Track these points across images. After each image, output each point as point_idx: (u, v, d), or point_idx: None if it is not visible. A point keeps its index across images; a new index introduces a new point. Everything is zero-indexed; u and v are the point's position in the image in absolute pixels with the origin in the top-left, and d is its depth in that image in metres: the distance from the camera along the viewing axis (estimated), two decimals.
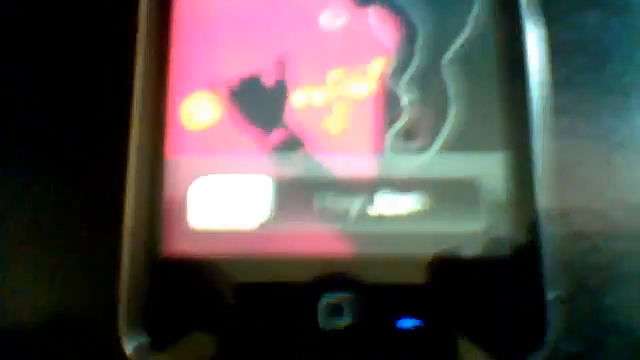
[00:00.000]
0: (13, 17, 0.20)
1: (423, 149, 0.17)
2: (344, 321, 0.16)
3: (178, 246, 0.17)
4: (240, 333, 0.16)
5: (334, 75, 0.18)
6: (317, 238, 0.17)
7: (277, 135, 0.17)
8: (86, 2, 0.20)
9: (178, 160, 0.17)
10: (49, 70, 0.19)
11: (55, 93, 0.19)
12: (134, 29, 0.18)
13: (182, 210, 0.17)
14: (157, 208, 0.17)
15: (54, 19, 0.20)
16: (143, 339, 0.16)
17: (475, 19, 0.18)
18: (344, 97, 0.17)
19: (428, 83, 0.17)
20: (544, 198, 0.16)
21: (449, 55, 0.17)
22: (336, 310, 0.16)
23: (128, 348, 0.16)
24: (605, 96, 0.19)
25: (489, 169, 0.17)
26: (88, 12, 0.20)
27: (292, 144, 0.17)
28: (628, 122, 0.19)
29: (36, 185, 0.19)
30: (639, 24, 0.19)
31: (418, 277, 0.16)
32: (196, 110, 0.17)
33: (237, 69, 0.18)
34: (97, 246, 0.18)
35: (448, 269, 0.16)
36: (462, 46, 0.18)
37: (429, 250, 0.17)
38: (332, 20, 0.18)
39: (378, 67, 0.18)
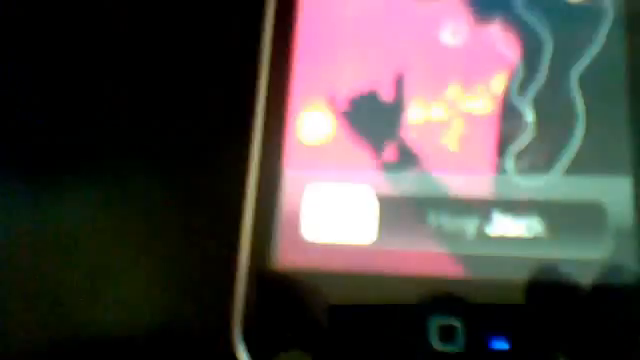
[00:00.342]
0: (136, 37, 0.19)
1: (545, 170, 0.16)
2: (456, 344, 0.16)
3: (284, 257, 0.17)
4: (346, 352, 0.16)
5: (453, 91, 0.17)
6: (429, 257, 0.16)
7: (393, 151, 0.17)
8: (211, 18, 0.19)
9: (294, 174, 0.17)
10: (173, 82, 0.20)
11: (178, 103, 0.19)
12: (257, 44, 0.18)
13: (290, 222, 0.17)
14: (266, 219, 0.17)
15: (177, 36, 0.19)
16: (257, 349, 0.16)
17: (605, 34, 0.17)
18: (463, 114, 0.17)
19: (553, 100, 0.17)
20: None
21: (577, 71, 0.17)
22: (448, 332, 0.16)
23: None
24: None
25: (615, 194, 0.16)
26: (213, 28, 0.19)
27: (408, 161, 0.17)
28: None
29: (153, 196, 0.19)
30: None
31: (534, 303, 0.16)
32: (313, 125, 0.17)
33: (355, 84, 0.17)
34: (211, 257, 0.18)
35: (566, 296, 0.16)
36: (591, 62, 0.17)
37: (547, 275, 0.16)
38: (452, 35, 0.17)
39: (500, 83, 0.17)
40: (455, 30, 0.17)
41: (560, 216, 0.16)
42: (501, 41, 0.17)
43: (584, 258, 0.16)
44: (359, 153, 0.17)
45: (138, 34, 0.20)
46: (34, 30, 0.20)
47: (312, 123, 0.17)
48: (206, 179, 0.19)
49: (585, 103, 0.16)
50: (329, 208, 0.17)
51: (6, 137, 0.20)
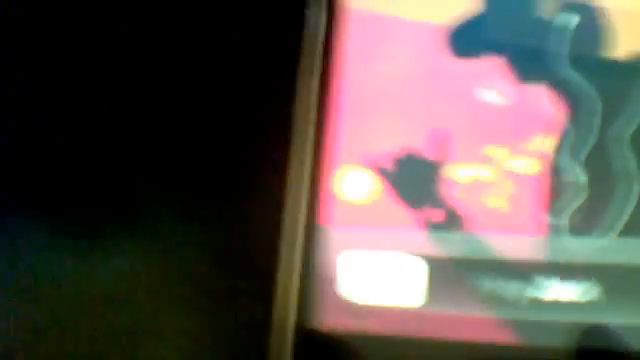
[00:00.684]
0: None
1: (599, 232, 0.16)
2: None
3: (326, 319, 0.16)
4: None
5: (500, 151, 0.17)
6: (478, 322, 0.16)
7: (439, 211, 0.17)
8: (253, 70, 0.19)
9: (332, 231, 0.17)
10: (213, 137, 0.19)
11: (219, 161, 0.19)
12: (295, 100, 0.17)
13: (332, 283, 0.17)
14: (308, 279, 0.16)
15: (218, 90, 0.20)
16: None
17: None
18: (511, 174, 0.17)
19: (605, 161, 0.16)
20: None
21: (629, 131, 0.16)
22: None
23: None
24: None
25: None
26: (254, 80, 0.19)
27: (454, 221, 0.16)
28: None
29: (186, 252, 0.18)
30: None
31: None
32: (355, 183, 0.17)
33: (399, 143, 0.17)
34: (252, 318, 0.18)
35: None
36: (634, 122, 0.16)
37: (601, 341, 0.15)
38: (497, 94, 0.17)
39: (549, 143, 0.17)
40: (499, 89, 0.17)
41: (615, 280, 0.16)
42: (548, 101, 0.17)
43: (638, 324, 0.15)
44: (403, 212, 0.17)
45: (177, 85, 0.20)
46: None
47: (354, 181, 0.17)
48: (247, 238, 0.19)
49: (629, 163, 0.16)
50: (374, 270, 0.17)
51: (45, 189, 0.20)
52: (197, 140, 0.20)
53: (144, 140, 0.20)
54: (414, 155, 0.17)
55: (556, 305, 0.16)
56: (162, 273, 0.19)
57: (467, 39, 0.18)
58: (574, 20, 0.17)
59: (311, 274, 0.17)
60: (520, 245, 0.16)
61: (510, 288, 0.16)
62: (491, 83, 0.17)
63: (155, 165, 0.19)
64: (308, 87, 0.18)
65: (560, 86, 0.17)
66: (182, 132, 0.20)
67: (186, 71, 0.20)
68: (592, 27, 0.17)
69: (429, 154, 0.17)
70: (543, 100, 0.17)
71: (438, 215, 0.17)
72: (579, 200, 0.16)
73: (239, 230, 0.18)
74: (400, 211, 0.17)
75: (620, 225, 0.16)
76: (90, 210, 0.19)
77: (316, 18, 0.18)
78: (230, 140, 0.19)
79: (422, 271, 0.16)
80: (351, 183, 0.17)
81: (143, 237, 0.19)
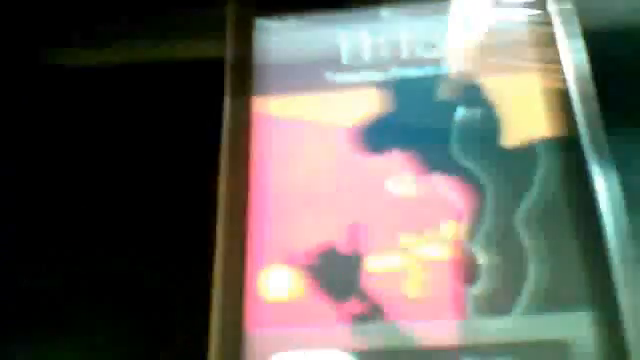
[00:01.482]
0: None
1: (505, 312, 0.17)
2: None
3: None
4: None
5: (411, 240, 0.18)
6: None
7: (356, 304, 0.17)
8: (165, 172, 0.20)
9: (257, 334, 0.17)
10: (134, 240, 0.20)
11: (137, 263, 0.20)
12: (213, 204, 0.18)
13: None
14: None
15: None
16: None
17: (543, 176, 0.18)
18: (420, 261, 0.17)
19: (504, 243, 0.17)
20: (637, 352, 0.16)
21: (522, 213, 0.18)
22: None
23: None
24: None
25: (576, 329, 0.16)
26: (166, 182, 0.20)
27: (372, 313, 0.17)
28: None
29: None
30: None
31: None
32: (274, 283, 0.18)
33: (312, 240, 0.18)
34: None
35: None
36: (533, 204, 0.18)
37: None
38: (401, 187, 0.18)
39: (452, 230, 0.18)
40: (408, 181, 0.18)
41: (525, 357, 0.16)
42: (446, 188, 0.18)
43: None
44: (321, 308, 0.17)
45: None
46: None
47: (273, 281, 0.18)
48: (173, 347, 0.19)
49: (534, 243, 0.17)
50: None
51: None
52: (121, 247, 0.20)
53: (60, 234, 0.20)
54: (333, 250, 0.18)
55: None
56: None
57: (376, 137, 0.19)
58: (470, 113, 0.19)
59: None
60: (436, 330, 0.17)
61: None
62: (400, 175, 0.19)
63: (82, 267, 0.20)
64: (228, 189, 0.19)
65: (461, 174, 0.18)
66: (106, 240, 0.20)
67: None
68: (479, 116, 0.19)
69: (347, 248, 0.18)
70: (448, 188, 0.18)
71: (360, 307, 0.17)
72: (485, 282, 0.17)
73: (165, 340, 0.19)
74: (325, 307, 0.17)
75: (526, 302, 0.17)
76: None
77: (233, 123, 0.20)
78: (154, 245, 0.20)
79: None
80: (275, 283, 0.18)
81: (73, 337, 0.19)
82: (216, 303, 0.17)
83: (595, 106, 0.18)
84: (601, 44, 0.19)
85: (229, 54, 0.21)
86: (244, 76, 0.21)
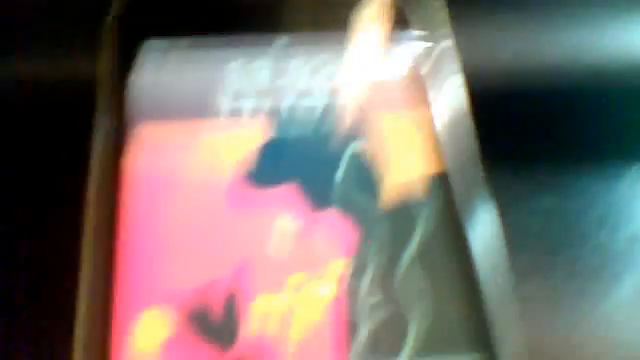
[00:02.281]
0: None
1: (394, 353, 0.16)
2: None
3: None
4: None
5: (295, 279, 0.17)
6: None
7: (238, 349, 0.16)
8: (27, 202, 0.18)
9: None
10: None
11: None
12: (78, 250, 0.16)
13: None
14: None
15: None
16: None
17: (432, 216, 0.17)
18: (308, 301, 0.16)
19: (391, 283, 0.17)
20: None
21: (406, 258, 0.17)
22: None
23: None
24: (567, 281, 0.19)
25: None
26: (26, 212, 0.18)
27: (254, 357, 0.16)
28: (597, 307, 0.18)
29: None
30: (591, 206, 0.20)
31: None
32: (147, 330, 0.16)
33: (189, 281, 0.17)
34: None
35: None
36: (421, 243, 0.17)
37: None
38: (288, 224, 0.17)
39: (340, 268, 0.17)
40: (295, 217, 0.17)
41: None
42: (334, 227, 0.17)
43: None
44: (201, 354, 0.16)
45: None
46: None
47: (147, 328, 0.16)
48: None
49: (423, 283, 0.17)
50: None
51: None
52: None
53: None
54: (216, 291, 0.16)
55: None
56: None
57: (265, 169, 0.18)
58: (348, 153, 0.18)
59: None
60: None
61: None
62: (290, 211, 0.18)
63: None
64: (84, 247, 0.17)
65: (350, 210, 0.18)
66: None
67: None
68: (362, 163, 0.18)
69: (226, 288, 0.17)
70: (337, 224, 0.17)
71: (238, 352, 0.16)
72: (372, 323, 0.16)
73: None
74: (202, 353, 0.16)
75: (414, 345, 0.16)
76: None
77: (104, 149, 0.18)
78: (15, 297, 0.18)
79: None
80: (148, 330, 0.16)
81: None
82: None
83: (473, 144, 0.18)
84: (482, 82, 0.19)
85: (104, 73, 0.19)
86: (120, 98, 0.19)
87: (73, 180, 0.17)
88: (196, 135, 0.19)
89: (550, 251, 0.19)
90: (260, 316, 0.16)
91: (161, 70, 0.20)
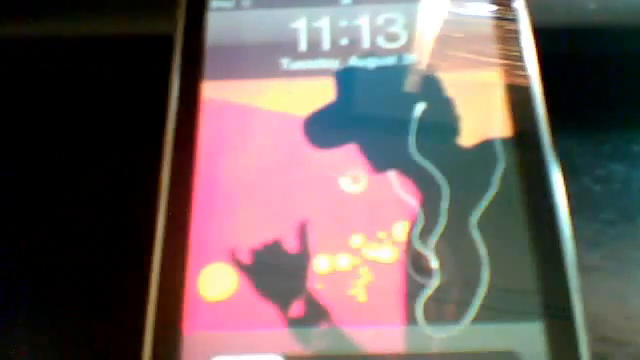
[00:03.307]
0: None
1: (456, 318, 0.16)
2: None
3: None
4: None
5: (357, 239, 0.17)
6: None
7: (299, 306, 0.16)
8: (101, 157, 0.19)
9: (195, 336, 0.16)
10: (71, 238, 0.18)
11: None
12: (154, 195, 0.17)
13: None
14: None
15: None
16: None
17: (501, 177, 0.17)
18: (369, 262, 0.17)
19: (456, 246, 0.17)
20: None
21: (476, 216, 0.17)
22: None
23: None
24: (633, 251, 0.18)
25: (527, 340, 0.16)
26: (101, 168, 0.19)
27: (316, 315, 0.16)
28: None
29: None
30: None
31: None
32: (215, 282, 0.16)
33: (256, 237, 0.17)
34: None
35: None
36: (489, 205, 0.17)
37: None
38: (352, 184, 0.17)
39: (403, 230, 0.17)
40: (354, 178, 0.17)
41: None
42: (400, 187, 0.17)
43: None
44: (264, 309, 0.16)
45: None
46: None
47: (214, 280, 0.17)
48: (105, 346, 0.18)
49: (487, 247, 0.16)
50: None
51: None
52: (54, 241, 0.19)
53: None
54: (273, 248, 0.17)
55: None
56: None
57: (329, 129, 0.18)
58: (422, 108, 0.18)
59: None
60: (381, 337, 0.16)
61: None
62: (347, 172, 0.18)
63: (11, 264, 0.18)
64: (170, 179, 0.17)
65: (410, 172, 0.17)
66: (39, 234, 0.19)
67: None
68: (438, 113, 0.18)
69: (294, 246, 0.17)
70: (396, 187, 0.17)
71: (300, 310, 0.16)
72: (434, 287, 0.16)
73: (101, 343, 0.17)
74: (261, 308, 0.16)
75: (475, 310, 0.16)
76: None
77: (179, 107, 0.18)
78: (92, 242, 0.18)
79: None
80: (216, 282, 0.17)
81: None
82: (152, 301, 0.16)
83: (543, 107, 0.18)
84: (554, 44, 0.19)
85: (178, 33, 0.20)
86: (194, 58, 0.19)
87: (149, 136, 0.18)
88: (261, 95, 0.19)
89: (617, 220, 0.19)
90: (322, 276, 0.17)
91: (230, 29, 0.20)
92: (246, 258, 0.17)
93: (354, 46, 0.19)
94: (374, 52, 0.19)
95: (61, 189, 0.19)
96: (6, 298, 0.18)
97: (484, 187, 0.17)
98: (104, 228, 0.19)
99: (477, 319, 0.16)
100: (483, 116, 0.18)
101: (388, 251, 0.17)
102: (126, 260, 0.17)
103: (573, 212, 0.17)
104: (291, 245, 0.17)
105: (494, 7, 0.20)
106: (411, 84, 0.19)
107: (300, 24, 0.20)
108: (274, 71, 0.19)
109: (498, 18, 0.19)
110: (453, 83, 0.18)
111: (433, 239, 0.17)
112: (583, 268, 0.17)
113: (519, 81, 0.18)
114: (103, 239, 0.18)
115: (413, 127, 0.18)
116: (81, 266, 0.18)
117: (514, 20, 0.19)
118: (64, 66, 0.21)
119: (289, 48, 0.19)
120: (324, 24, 0.20)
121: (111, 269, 0.18)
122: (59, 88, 0.21)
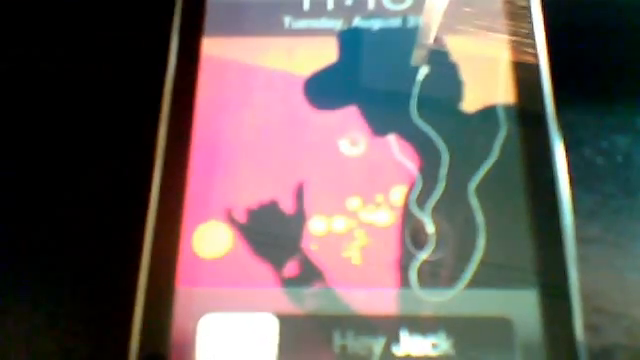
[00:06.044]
0: None
1: (450, 284, 0.16)
2: None
3: None
4: None
5: (353, 202, 0.17)
6: None
7: (293, 266, 0.16)
8: (98, 110, 0.19)
9: (189, 291, 0.16)
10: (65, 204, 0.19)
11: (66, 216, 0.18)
12: (150, 154, 0.17)
13: (191, 346, 0.16)
14: (165, 342, 0.16)
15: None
16: None
17: (502, 145, 0.17)
18: (365, 225, 0.16)
19: (454, 211, 0.16)
20: (581, 336, 0.15)
21: (474, 182, 0.17)
22: None
23: None
24: (633, 225, 0.18)
25: (521, 307, 0.16)
26: (97, 121, 0.19)
27: (310, 276, 0.16)
28: None
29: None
30: None
31: None
32: (210, 239, 0.16)
33: (252, 196, 0.17)
34: None
35: None
36: (488, 173, 0.17)
37: None
38: (351, 146, 0.17)
39: (400, 194, 0.17)
40: (353, 140, 0.17)
41: (466, 332, 0.15)
42: (399, 151, 0.17)
43: None
44: (258, 268, 0.16)
45: None
46: None
47: (210, 236, 0.17)
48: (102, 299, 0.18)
49: (485, 214, 0.16)
50: (227, 329, 0.16)
51: None
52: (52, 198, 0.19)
53: None
54: (269, 208, 0.17)
55: (415, 358, 0.15)
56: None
57: (330, 90, 0.18)
58: (425, 72, 0.18)
59: (167, 337, 0.16)
60: (375, 299, 0.16)
61: (366, 344, 0.16)
62: (346, 135, 0.17)
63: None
64: (168, 135, 0.17)
65: (410, 136, 0.17)
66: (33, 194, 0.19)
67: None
68: (441, 78, 0.18)
69: (284, 207, 0.17)
70: (395, 151, 0.17)
71: (294, 269, 0.16)
72: (429, 251, 0.16)
73: (97, 296, 0.17)
74: (255, 266, 0.16)
75: (470, 276, 0.16)
76: None
77: (179, 63, 0.18)
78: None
79: (277, 331, 0.16)
80: (211, 239, 0.17)
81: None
82: (146, 255, 0.16)
83: (548, 78, 0.17)
84: (561, 16, 0.18)
85: None
86: (194, 13, 0.19)
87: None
88: (262, 53, 0.19)
89: (617, 193, 0.18)
90: (317, 237, 0.17)
91: None
92: (242, 217, 0.17)
93: (359, 6, 0.19)
94: (379, 13, 0.19)
95: (61, 189, 0.19)
96: (6, 298, 0.18)
97: (484, 154, 0.17)
98: (104, 228, 0.18)
99: (471, 285, 0.16)
100: (487, 83, 0.18)
101: (385, 215, 0.16)
102: (126, 260, 0.17)
103: (573, 183, 0.16)
104: (287, 205, 0.17)
105: None
106: (415, 48, 0.18)
107: None
108: (276, 29, 0.19)
109: None
110: (458, 49, 0.18)
111: (430, 204, 0.17)
112: (581, 240, 0.17)
113: (525, 52, 0.18)
114: (103, 239, 0.18)
115: (415, 91, 0.18)
116: (81, 266, 0.18)
117: None
118: (64, 66, 0.21)
119: (292, 6, 0.19)
120: None
121: (111, 269, 0.18)
122: (59, 88, 0.20)
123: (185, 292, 0.16)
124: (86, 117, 0.20)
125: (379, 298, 0.16)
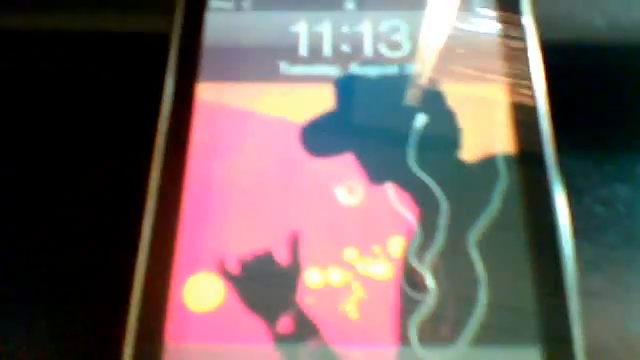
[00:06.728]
0: None
1: (452, 340, 0.15)
2: None
3: None
4: None
5: (350, 253, 0.16)
6: None
7: (287, 321, 0.16)
8: (91, 154, 0.19)
9: (178, 347, 0.15)
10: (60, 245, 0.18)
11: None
12: (142, 202, 0.17)
13: None
14: None
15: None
16: None
17: (502, 194, 0.16)
18: (362, 278, 0.16)
19: (453, 264, 0.16)
20: None
21: (475, 234, 0.16)
22: None
23: None
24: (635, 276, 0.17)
25: None
26: (90, 166, 0.19)
27: (305, 332, 0.15)
28: None
29: None
30: None
31: None
32: (201, 292, 0.16)
33: (246, 246, 0.16)
34: None
35: None
36: (489, 223, 0.16)
37: None
38: (348, 195, 0.17)
39: (399, 245, 0.16)
40: (350, 189, 0.17)
41: None
42: (398, 201, 0.17)
43: None
44: (251, 323, 0.16)
45: None
46: None
47: (201, 290, 0.16)
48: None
49: (486, 267, 0.16)
50: None
51: None
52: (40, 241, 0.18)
53: None
54: (269, 259, 0.16)
55: None
56: None
57: (327, 137, 0.18)
58: (423, 120, 0.18)
59: None
60: (370, 358, 0.15)
61: None
62: (343, 183, 0.17)
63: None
64: (160, 181, 0.17)
65: (409, 186, 0.17)
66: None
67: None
68: (439, 126, 0.17)
69: (285, 258, 0.16)
70: (393, 200, 0.17)
71: (293, 325, 0.16)
72: (430, 306, 0.16)
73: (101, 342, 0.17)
74: (248, 321, 0.16)
75: (472, 332, 0.15)
76: None
77: (173, 107, 0.18)
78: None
79: None
80: (203, 292, 0.16)
81: None
82: (134, 308, 0.16)
83: (548, 126, 0.17)
84: (561, 61, 0.18)
85: (176, 32, 0.19)
86: (190, 58, 0.19)
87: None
88: (258, 99, 0.18)
89: (619, 244, 0.18)
90: (313, 290, 0.16)
91: (229, 31, 0.19)
92: (234, 268, 0.16)
93: (355, 53, 0.19)
94: (376, 60, 0.19)
95: (61, 189, 0.19)
96: (6, 298, 0.17)
97: (484, 204, 0.16)
98: (104, 228, 0.18)
99: (473, 342, 0.15)
100: (486, 131, 0.18)
101: (382, 267, 0.16)
102: (126, 260, 0.16)
103: (573, 233, 0.16)
104: (282, 256, 0.16)
105: (501, 24, 0.19)
106: (412, 95, 0.18)
107: (301, 28, 0.19)
108: (272, 75, 0.19)
109: (505, 35, 0.19)
110: (456, 96, 0.18)
111: (430, 256, 0.16)
112: (583, 293, 0.16)
113: (524, 98, 0.18)
114: (103, 239, 0.18)
115: (413, 139, 0.17)
116: (81, 266, 0.18)
117: (521, 38, 0.18)
118: (64, 65, 0.21)
119: (289, 52, 0.19)
120: (325, 29, 0.19)
121: (111, 269, 0.17)
122: (59, 88, 0.20)
123: (174, 348, 0.15)
124: (86, 117, 0.20)
125: (378, 357, 0.15)
